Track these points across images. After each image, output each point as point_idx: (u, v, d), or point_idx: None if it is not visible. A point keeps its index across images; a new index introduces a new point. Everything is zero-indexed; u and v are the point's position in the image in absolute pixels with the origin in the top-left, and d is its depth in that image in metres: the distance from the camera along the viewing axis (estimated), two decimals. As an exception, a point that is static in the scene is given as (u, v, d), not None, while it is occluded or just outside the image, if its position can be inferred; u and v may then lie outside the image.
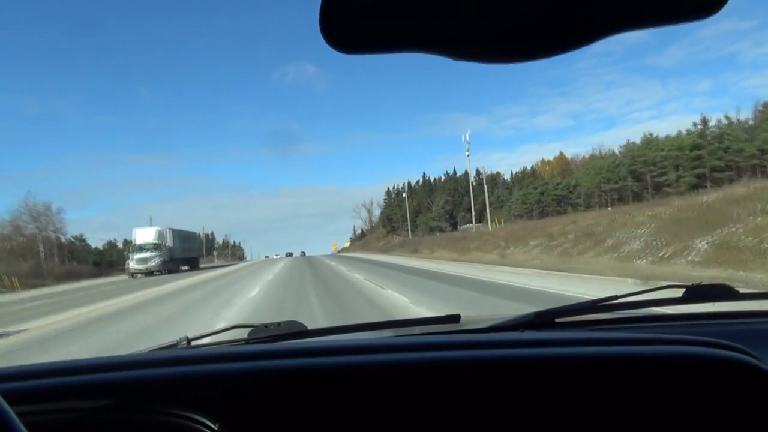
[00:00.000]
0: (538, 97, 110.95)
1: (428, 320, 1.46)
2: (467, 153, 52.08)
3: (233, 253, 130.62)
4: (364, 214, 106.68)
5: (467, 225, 64.63)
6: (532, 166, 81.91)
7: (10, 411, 0.52)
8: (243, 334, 1.31)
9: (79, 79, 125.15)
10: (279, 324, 1.30)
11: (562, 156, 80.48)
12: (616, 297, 1.36)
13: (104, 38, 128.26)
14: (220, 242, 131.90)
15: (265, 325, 1.30)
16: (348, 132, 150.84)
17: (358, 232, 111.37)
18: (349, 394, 0.82)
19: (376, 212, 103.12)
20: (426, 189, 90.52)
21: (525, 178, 77.99)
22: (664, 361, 0.82)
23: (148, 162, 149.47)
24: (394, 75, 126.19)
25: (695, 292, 1.29)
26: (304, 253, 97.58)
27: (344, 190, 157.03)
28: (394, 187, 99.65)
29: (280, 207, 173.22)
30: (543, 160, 79.70)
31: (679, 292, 1.32)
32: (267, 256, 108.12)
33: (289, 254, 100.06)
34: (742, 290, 1.33)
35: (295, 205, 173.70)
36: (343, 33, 0.50)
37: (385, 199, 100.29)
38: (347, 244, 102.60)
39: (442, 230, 73.00)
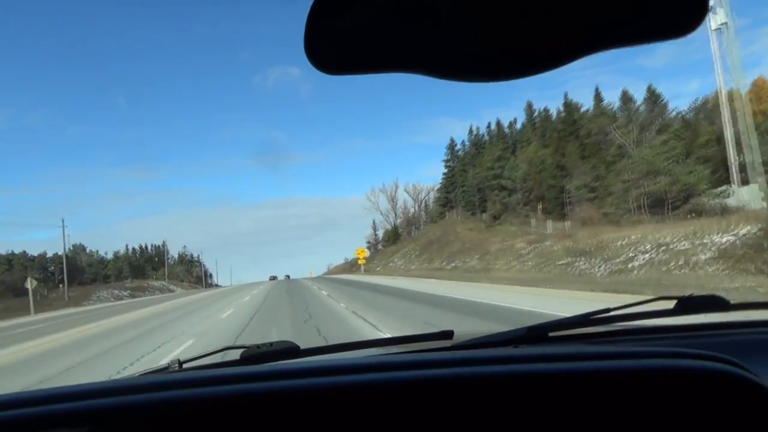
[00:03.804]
0: (526, 100, 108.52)
1: (421, 337, 1.46)
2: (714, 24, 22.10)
3: (188, 270, 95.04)
4: (384, 203, 70.01)
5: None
6: (708, 97, 38.62)
7: None
8: (235, 355, 1.30)
9: (53, 88, 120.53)
10: (271, 344, 1.29)
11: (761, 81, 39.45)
12: (609, 310, 1.37)
13: (79, 45, 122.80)
14: (176, 256, 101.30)
15: (258, 346, 1.29)
16: (333, 140, 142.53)
17: (380, 230, 71.33)
18: (344, 415, 0.81)
19: (403, 199, 67.45)
20: (536, 129, 48.35)
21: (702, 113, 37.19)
22: (656, 375, 0.83)
23: (126, 176, 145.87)
24: (379, 80, 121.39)
25: (687, 304, 1.30)
26: (288, 276, 77.92)
27: (331, 200, 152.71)
28: (474, 131, 57.26)
29: (264, 220, 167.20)
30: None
31: (671, 304, 1.32)
32: None
33: (273, 278, 76.05)
34: (733, 301, 1.34)
35: (280, 217, 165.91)
36: (327, 55, 0.51)
37: (446, 162, 58.85)
38: (363, 253, 57.01)
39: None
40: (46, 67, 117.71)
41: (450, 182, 57.99)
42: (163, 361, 1.32)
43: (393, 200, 67.65)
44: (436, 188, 64.05)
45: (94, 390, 0.86)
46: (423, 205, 65.93)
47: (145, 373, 1.23)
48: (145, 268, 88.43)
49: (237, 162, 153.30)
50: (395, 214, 67.57)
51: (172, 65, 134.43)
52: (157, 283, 71.74)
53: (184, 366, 1.30)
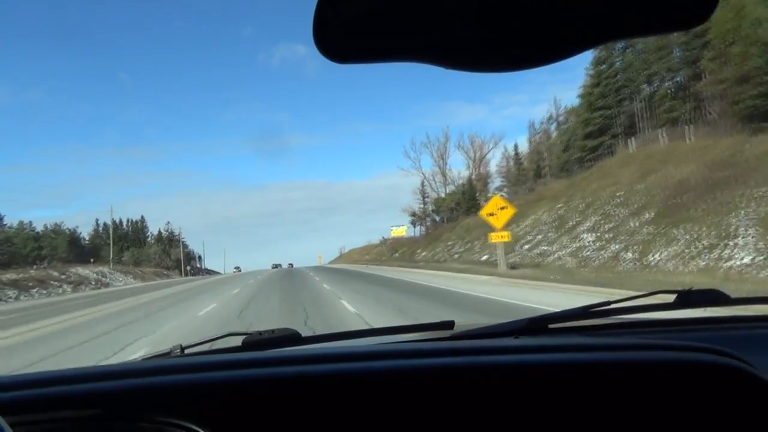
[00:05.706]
0: (538, 84, 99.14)
1: (422, 326, 1.47)
2: None
3: (166, 252, 78.67)
4: (430, 163, 50.21)
5: None
6: None
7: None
8: (237, 341, 1.31)
9: (54, 64, 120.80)
10: (273, 331, 1.30)
11: None
12: (609, 302, 1.38)
13: (79, 20, 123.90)
14: (155, 233, 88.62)
15: (260, 333, 1.30)
16: (338, 123, 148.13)
17: (427, 198, 50.88)
18: (344, 402, 0.82)
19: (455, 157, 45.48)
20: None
21: None
22: (656, 367, 0.83)
23: (126, 156, 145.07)
24: (385, 64, 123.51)
25: (687, 298, 1.31)
26: (291, 265, 78.24)
27: (335, 184, 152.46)
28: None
29: (266, 203, 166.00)
30: None
31: (670, 298, 1.33)
32: None
33: (276, 266, 77.32)
34: (733, 295, 1.35)
35: (283, 200, 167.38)
36: (336, 45, 0.52)
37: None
38: (508, 213, 20.50)
39: None
40: (46, 43, 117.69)
41: (610, 87, 35.43)
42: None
43: (443, 157, 47.11)
44: (557, 115, 41.98)
45: (98, 373, 0.87)
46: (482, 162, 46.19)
47: (148, 358, 1.23)
48: (102, 248, 72.96)
49: (239, 144, 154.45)
50: (444, 176, 47.36)
51: (173, 42, 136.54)
52: (86, 272, 46.30)
53: (186, 351, 1.30)
